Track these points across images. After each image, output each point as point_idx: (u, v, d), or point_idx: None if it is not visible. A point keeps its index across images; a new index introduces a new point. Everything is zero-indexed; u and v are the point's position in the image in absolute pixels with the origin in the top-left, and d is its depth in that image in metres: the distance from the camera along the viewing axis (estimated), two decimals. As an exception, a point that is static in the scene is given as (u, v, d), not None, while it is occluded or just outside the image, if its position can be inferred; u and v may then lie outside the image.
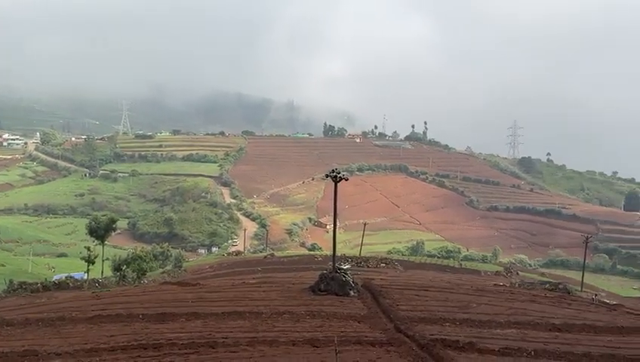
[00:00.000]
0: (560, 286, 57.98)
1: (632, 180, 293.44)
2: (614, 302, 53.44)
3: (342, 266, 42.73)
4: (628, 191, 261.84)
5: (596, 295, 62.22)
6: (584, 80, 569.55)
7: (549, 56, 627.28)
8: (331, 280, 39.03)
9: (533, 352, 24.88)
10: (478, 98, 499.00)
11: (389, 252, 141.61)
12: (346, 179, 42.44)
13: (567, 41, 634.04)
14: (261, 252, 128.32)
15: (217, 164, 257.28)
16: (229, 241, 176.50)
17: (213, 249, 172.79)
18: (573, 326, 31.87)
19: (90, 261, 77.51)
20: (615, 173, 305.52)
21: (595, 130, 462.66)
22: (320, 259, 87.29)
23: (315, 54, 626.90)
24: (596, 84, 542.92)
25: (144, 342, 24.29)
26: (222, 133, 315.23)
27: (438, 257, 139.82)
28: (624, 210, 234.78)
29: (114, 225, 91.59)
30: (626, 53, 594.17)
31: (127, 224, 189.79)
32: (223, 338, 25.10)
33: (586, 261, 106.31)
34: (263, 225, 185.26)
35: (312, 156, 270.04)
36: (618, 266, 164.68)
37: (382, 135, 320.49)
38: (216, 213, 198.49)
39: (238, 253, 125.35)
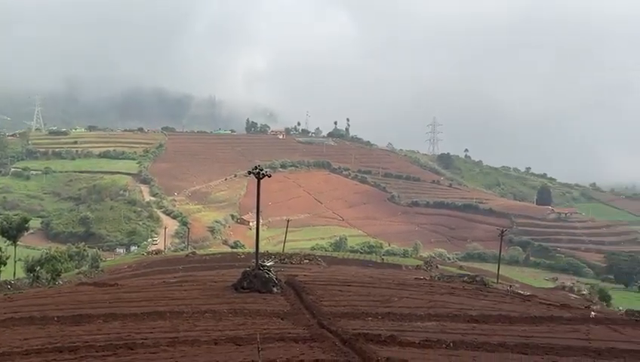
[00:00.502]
0: (477, 279, 59.69)
1: (543, 175, 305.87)
2: (528, 293, 55.49)
3: (265, 263, 42.59)
4: (540, 186, 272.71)
5: (511, 286, 64.40)
6: (501, 77, 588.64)
7: (469, 52, 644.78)
8: (254, 277, 38.79)
9: (452, 343, 25.42)
10: (399, 94, 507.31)
11: (313, 248, 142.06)
12: (269, 176, 42.30)
13: (487, 38, 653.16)
14: (182, 250, 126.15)
15: (136, 161, 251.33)
16: (149, 240, 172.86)
17: (132, 248, 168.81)
18: (490, 317, 32.82)
19: (1, 262, 74.21)
20: (528, 168, 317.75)
21: (510, 127, 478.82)
22: (243, 256, 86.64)
23: (236, 50, 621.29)
24: (512, 82, 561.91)
25: (59, 345, 23.41)
26: (141, 130, 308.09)
27: (361, 252, 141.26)
28: (536, 203, 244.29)
29: (26, 225, 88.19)
30: (542, 52, 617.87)
31: (41, 223, 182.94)
32: (142, 339, 24.47)
33: (502, 254, 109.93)
34: (184, 223, 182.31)
35: (234, 153, 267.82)
36: (531, 258, 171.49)
37: (305, 131, 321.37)
38: (135, 212, 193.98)
39: (158, 251, 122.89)
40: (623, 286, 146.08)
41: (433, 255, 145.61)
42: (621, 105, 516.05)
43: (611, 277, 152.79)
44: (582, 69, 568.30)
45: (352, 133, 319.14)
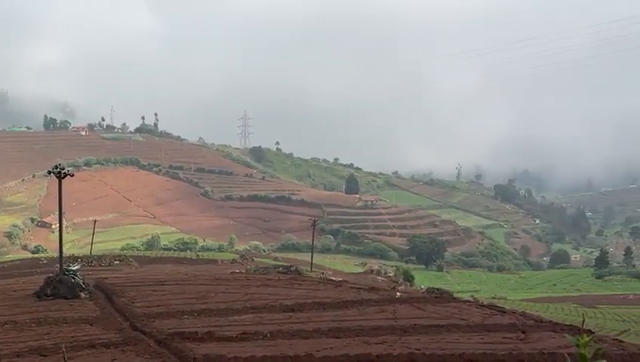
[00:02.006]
0: (292, 269, 61.10)
1: (351, 165, 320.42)
2: (339, 279, 57.82)
3: (71, 267, 40.27)
4: (348, 176, 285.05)
5: (324, 274, 66.72)
6: (308, 70, 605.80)
7: (276, 45, 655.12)
8: (59, 283, 36.50)
9: (269, 334, 25.73)
10: (208, 88, 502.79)
11: (123, 248, 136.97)
12: (72, 175, 40.07)
13: (294, 31, 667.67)
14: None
15: None
16: None
17: None
18: (305, 305, 33.71)
19: None
20: (337, 159, 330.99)
21: (319, 119, 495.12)
22: (46, 261, 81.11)
23: (27, 41, 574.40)
24: (319, 75, 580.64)
25: None
26: None
27: (175, 250, 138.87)
28: (345, 193, 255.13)
29: None
30: (347, 45, 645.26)
31: None
32: None
33: (314, 243, 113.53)
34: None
35: (32, 152, 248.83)
36: (342, 245, 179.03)
37: (110, 127, 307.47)
38: None
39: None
40: (423, 266, 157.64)
41: (249, 248, 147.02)
42: (418, 97, 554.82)
43: (413, 258, 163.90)
44: (384, 62, 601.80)
45: (161, 127, 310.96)
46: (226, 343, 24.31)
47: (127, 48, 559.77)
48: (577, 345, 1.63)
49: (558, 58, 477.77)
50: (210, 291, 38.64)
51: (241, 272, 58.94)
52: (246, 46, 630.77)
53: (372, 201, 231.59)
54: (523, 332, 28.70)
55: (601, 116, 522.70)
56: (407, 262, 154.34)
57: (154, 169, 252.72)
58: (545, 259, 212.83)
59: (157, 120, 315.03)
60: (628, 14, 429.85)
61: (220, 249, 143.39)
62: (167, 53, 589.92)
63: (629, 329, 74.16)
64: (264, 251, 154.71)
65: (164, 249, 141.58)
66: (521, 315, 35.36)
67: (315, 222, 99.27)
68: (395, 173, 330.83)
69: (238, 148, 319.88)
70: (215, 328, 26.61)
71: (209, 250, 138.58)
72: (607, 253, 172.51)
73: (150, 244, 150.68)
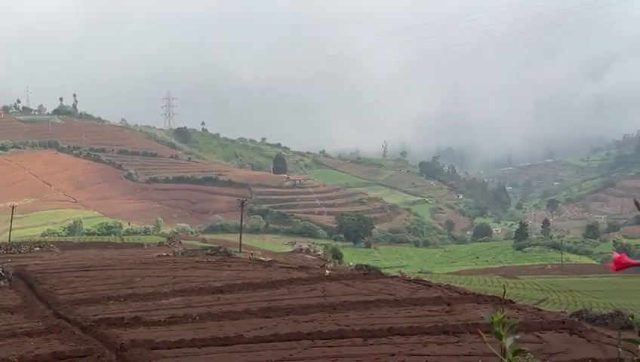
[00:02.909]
0: (220, 250, 60.67)
1: (278, 145, 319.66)
2: (269, 259, 57.88)
3: (-12, 256, 38.68)
4: (275, 155, 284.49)
5: (253, 254, 66.58)
6: (232, 49, 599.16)
7: (198, 24, 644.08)
8: (-24, 272, 35.05)
9: (197, 317, 25.55)
10: (130, 68, 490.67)
11: (44, 234, 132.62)
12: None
13: (216, 8, 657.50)
14: None
15: None
16: None
17: None
18: (234, 286, 33.61)
19: None
20: (264, 139, 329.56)
21: (245, 99, 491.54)
22: (-38, 250, 77.61)
23: None
24: (243, 54, 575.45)
25: None
26: None
27: (99, 234, 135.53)
28: (273, 172, 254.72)
29: None
30: (272, 24, 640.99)
31: None
32: None
33: (243, 223, 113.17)
34: None
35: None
36: (271, 225, 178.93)
37: (27, 109, 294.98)
38: None
39: None
40: (352, 243, 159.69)
41: (176, 230, 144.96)
42: (344, 76, 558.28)
43: (342, 236, 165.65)
44: (308, 40, 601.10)
45: (80, 109, 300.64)
46: (154, 327, 24.00)
47: (48, 29, 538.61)
48: (492, 322, 1.65)
49: (480, 36, 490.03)
50: (136, 275, 37.96)
51: (168, 255, 58.08)
52: (167, 25, 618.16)
53: (300, 181, 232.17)
54: (448, 305, 29.56)
55: (522, 93, 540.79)
56: (335, 240, 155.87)
57: (74, 152, 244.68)
58: (468, 233, 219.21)
59: (76, 101, 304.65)
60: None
61: (146, 232, 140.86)
62: (88, 35, 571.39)
63: (547, 298, 77.64)
64: (192, 233, 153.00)
65: (87, 234, 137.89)
66: (446, 288, 36.43)
67: (243, 202, 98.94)
68: (323, 152, 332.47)
69: (162, 130, 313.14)
70: (142, 313, 26.22)
71: (134, 233, 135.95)
72: (526, 225, 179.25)
73: (72, 230, 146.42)
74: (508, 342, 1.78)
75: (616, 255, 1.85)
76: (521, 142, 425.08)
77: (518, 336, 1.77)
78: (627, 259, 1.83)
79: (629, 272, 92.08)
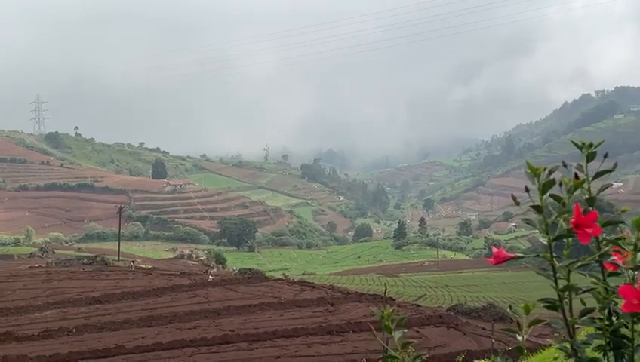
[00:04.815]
0: (98, 259, 58.56)
1: (157, 149, 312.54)
2: (150, 266, 56.48)
3: None
4: (154, 160, 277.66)
5: (133, 262, 64.71)
6: (106, 52, 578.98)
7: (72, 26, 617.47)
8: None
9: (74, 329, 24.55)
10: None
11: None
12: None
13: (79, 11, 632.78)
14: None
15: None
16: None
17: None
18: (113, 296, 32.54)
19: None
20: (142, 143, 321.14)
21: (121, 102, 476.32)
22: None
23: None
24: (120, 58, 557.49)
25: None
26: None
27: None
28: (152, 178, 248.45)
29: None
30: (144, 26, 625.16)
31: None
32: None
33: (121, 230, 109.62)
34: None
35: None
36: (151, 232, 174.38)
37: None
38: None
39: None
40: (235, 247, 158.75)
41: (48, 240, 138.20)
42: (222, 80, 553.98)
43: (225, 240, 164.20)
44: (185, 44, 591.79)
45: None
46: (27, 342, 22.80)
47: None
48: (381, 317, 1.71)
49: (354, 41, 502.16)
50: (6, 289, 35.85)
51: (40, 266, 55.31)
52: (34, 26, 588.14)
53: (181, 185, 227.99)
54: (332, 305, 30.11)
55: (397, 97, 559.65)
56: (218, 245, 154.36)
57: None
58: (350, 233, 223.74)
59: None
60: (416, 0, 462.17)
61: (16, 243, 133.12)
62: None
63: (425, 294, 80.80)
64: (66, 242, 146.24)
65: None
66: (330, 289, 37.09)
67: (121, 209, 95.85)
68: (204, 156, 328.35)
69: (32, 135, 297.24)
70: (14, 327, 24.83)
71: (3, 244, 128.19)
72: (405, 224, 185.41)
73: None
74: (397, 335, 1.92)
75: (495, 249, 2.03)
76: (398, 144, 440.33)
77: (406, 330, 1.89)
78: (504, 253, 2.00)
79: (500, 267, 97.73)
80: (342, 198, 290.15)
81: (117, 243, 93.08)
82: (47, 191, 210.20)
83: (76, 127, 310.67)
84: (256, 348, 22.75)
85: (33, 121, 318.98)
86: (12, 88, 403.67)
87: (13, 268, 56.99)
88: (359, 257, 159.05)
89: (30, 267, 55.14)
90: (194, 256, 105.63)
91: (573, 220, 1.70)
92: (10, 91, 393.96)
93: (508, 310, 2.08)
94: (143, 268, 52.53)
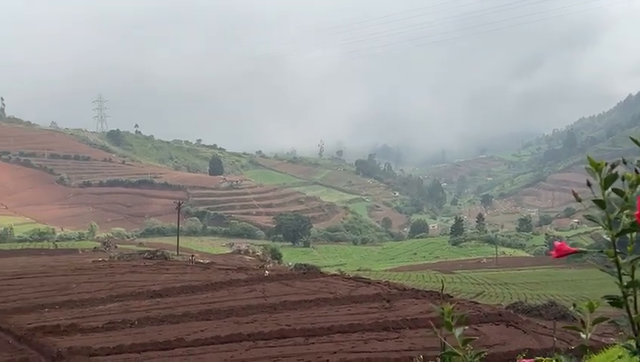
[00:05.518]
0: (158, 254, 59.86)
1: (214, 146, 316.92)
2: (208, 261, 57.44)
3: None
4: (211, 157, 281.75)
5: (192, 256, 65.90)
6: (166, 52, 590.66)
7: (132, 29, 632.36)
8: None
9: (136, 321, 25.19)
10: (60, 70, 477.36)
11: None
12: None
13: (137, 13, 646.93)
14: None
15: None
16: None
17: None
18: (173, 290, 33.24)
19: None
20: (199, 140, 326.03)
21: (178, 101, 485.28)
22: None
23: None
24: (176, 57, 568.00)
25: None
26: None
27: (31, 241, 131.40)
28: (209, 174, 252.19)
29: None
30: (194, 28, 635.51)
31: None
32: None
33: (180, 226, 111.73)
34: None
35: None
36: (208, 227, 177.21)
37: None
38: None
39: None
40: (290, 243, 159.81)
41: (111, 235, 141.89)
42: (278, 77, 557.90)
43: (280, 236, 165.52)
44: (240, 42, 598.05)
45: (8, 113, 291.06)
46: (91, 334, 23.53)
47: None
48: (442, 314, 1.71)
49: (412, 35, 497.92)
50: (71, 282, 37.06)
51: (104, 260, 56.95)
52: (95, 27, 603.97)
53: (237, 182, 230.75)
54: (388, 301, 30.03)
55: (454, 91, 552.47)
56: (274, 240, 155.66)
57: (3, 157, 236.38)
58: (405, 229, 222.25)
59: (3, 104, 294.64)
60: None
61: (81, 238, 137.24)
62: (15, 34, 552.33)
63: (484, 292, 79.68)
64: (128, 237, 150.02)
65: (19, 241, 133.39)
66: (385, 285, 37.00)
67: (179, 204, 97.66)
68: (259, 152, 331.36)
69: (95, 133, 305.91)
70: (79, 319, 25.66)
71: (68, 239, 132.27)
72: (462, 220, 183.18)
73: (2, 237, 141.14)
74: (457, 332, 1.91)
75: (557, 243, 1.99)
76: (455, 139, 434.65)
77: (466, 327, 1.88)
78: (567, 247, 1.96)
79: (562, 264, 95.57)
80: (397, 194, 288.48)
81: (176, 238, 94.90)
82: (109, 187, 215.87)
83: (136, 125, 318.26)
84: (313, 343, 22.90)
85: (96, 120, 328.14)
86: (76, 88, 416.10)
87: (78, 261, 58.85)
88: (415, 253, 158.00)
89: (94, 261, 56.83)
90: (250, 251, 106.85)
91: (636, 214, 1.89)
92: (75, 91, 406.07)
93: (570, 308, 2.09)
94: (201, 263, 53.46)
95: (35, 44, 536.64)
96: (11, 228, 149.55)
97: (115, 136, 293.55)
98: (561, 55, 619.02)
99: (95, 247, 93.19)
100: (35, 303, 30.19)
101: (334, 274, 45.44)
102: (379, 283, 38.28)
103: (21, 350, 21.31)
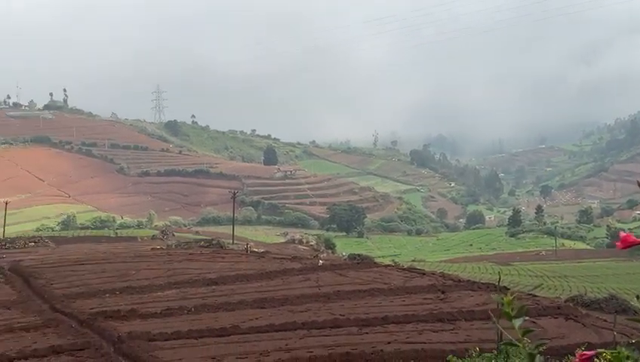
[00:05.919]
0: (214, 242, 60.84)
1: (268, 136, 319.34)
2: (262, 250, 58.02)
3: (-18, 252, 38.63)
4: (266, 147, 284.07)
5: (248, 245, 66.67)
6: (216, 41, 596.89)
7: (187, 21, 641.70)
8: (-30, 268, 34.99)
9: (193, 308, 25.67)
10: (118, 62, 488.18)
11: (38, 229, 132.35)
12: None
13: (207, 9, 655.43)
14: None
15: None
16: None
17: None
18: (228, 278, 33.71)
19: None
20: (254, 130, 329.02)
21: (232, 90, 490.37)
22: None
23: None
24: (227, 46, 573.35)
25: None
26: None
27: (93, 228, 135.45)
28: (264, 164, 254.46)
29: None
30: (253, 16, 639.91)
31: None
32: None
33: (235, 215, 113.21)
34: None
35: None
36: (263, 216, 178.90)
37: (17, 105, 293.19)
38: None
39: None
40: (344, 233, 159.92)
41: (169, 223, 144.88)
42: (332, 67, 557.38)
43: (334, 226, 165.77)
44: (294, 32, 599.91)
45: (70, 104, 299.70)
46: (150, 320, 24.10)
47: (22, 17, 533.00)
48: (502, 304, 1.70)
49: (467, 24, 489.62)
50: (131, 268, 38.01)
51: (162, 248, 58.15)
52: (149, 18, 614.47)
53: (291, 171, 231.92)
54: (442, 293, 29.77)
55: (512, 80, 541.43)
56: (328, 230, 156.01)
57: (66, 147, 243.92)
58: (461, 220, 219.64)
59: (66, 96, 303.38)
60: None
61: (139, 226, 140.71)
62: (68, 25, 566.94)
63: (542, 284, 78.13)
64: (184, 226, 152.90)
65: (81, 228, 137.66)
66: (440, 276, 36.65)
67: (234, 194, 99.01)
68: (313, 142, 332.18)
69: (152, 123, 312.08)
70: (138, 305, 26.30)
71: (128, 227, 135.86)
72: (520, 211, 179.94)
73: (66, 224, 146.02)
74: (517, 322, 1.88)
75: (623, 234, 1.93)
76: (513, 128, 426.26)
77: (526, 318, 1.86)
78: (633, 238, 1.89)
79: (624, 256, 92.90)
80: (453, 184, 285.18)
81: (231, 227, 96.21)
82: (167, 176, 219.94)
83: (193, 116, 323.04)
84: (367, 333, 22.91)
85: (154, 110, 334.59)
86: (135, 79, 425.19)
87: (137, 249, 60.34)
88: (471, 245, 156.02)
89: (152, 248, 58.09)
90: (304, 240, 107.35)
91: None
92: (134, 82, 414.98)
93: (633, 301, 2.09)
94: (256, 252, 54.06)
95: (93, 39, 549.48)
96: (74, 216, 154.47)
97: (172, 127, 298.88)
98: (623, 42, 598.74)
99: (154, 235, 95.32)
100: (96, 289, 31.09)
101: (388, 265, 45.28)
102: (433, 274, 37.97)
103: (83, 334, 21.98)
